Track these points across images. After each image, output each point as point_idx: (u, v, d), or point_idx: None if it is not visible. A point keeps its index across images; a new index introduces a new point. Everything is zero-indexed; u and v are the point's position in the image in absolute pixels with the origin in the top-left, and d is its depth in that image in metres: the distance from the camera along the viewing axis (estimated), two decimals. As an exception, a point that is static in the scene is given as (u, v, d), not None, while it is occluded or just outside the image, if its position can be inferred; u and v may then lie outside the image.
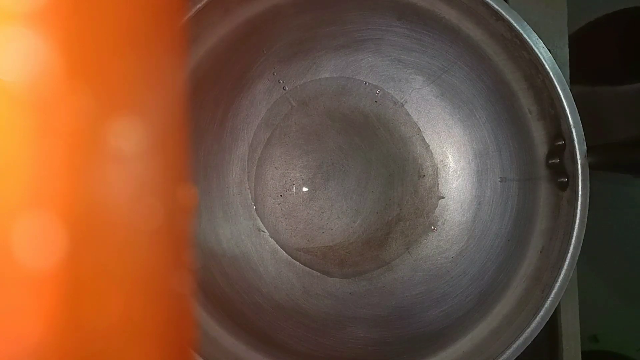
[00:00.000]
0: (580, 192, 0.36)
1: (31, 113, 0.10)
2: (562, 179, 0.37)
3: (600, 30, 0.50)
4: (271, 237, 0.44)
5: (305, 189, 0.45)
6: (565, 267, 0.35)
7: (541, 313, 0.35)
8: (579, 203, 0.36)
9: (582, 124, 0.36)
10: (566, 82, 0.36)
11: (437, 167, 0.44)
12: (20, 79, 0.10)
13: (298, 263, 0.44)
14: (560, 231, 0.37)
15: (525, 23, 0.35)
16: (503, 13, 0.35)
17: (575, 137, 0.36)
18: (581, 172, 0.35)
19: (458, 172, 0.44)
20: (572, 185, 0.36)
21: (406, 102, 0.44)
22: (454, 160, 0.44)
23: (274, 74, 0.44)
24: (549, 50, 0.36)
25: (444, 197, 0.44)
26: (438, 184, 0.44)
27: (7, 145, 0.10)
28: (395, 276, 0.44)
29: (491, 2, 0.35)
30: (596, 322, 0.60)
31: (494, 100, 0.41)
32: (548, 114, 0.38)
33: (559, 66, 0.36)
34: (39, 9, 0.10)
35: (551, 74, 0.35)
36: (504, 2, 0.36)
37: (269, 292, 0.43)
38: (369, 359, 0.41)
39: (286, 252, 0.44)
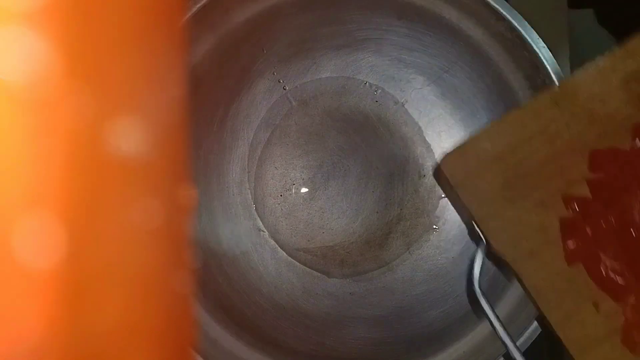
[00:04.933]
0: (580, 192, 0.36)
1: (31, 113, 0.10)
2: (563, 179, 0.37)
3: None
4: (271, 237, 0.44)
5: (305, 189, 0.45)
6: (565, 267, 0.35)
7: (541, 313, 0.35)
8: (580, 203, 0.36)
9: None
10: (566, 82, 0.36)
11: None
12: (20, 79, 0.09)
13: (298, 263, 0.44)
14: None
15: (526, 23, 0.35)
16: (504, 13, 0.35)
17: (575, 137, 0.35)
18: (581, 172, 0.35)
19: (458, 172, 0.44)
20: (572, 185, 0.36)
21: (407, 101, 0.44)
22: (454, 160, 0.44)
23: (274, 74, 0.44)
24: (550, 50, 0.36)
25: (444, 197, 0.44)
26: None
27: (7, 145, 0.10)
28: (395, 276, 0.44)
29: (492, 2, 0.35)
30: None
31: (494, 100, 0.41)
32: (548, 114, 0.38)
33: (559, 66, 0.36)
34: (39, 9, 0.10)
35: (551, 74, 0.35)
36: (505, 1, 0.36)
37: (269, 292, 0.43)
38: (369, 359, 0.41)
39: (286, 252, 0.44)
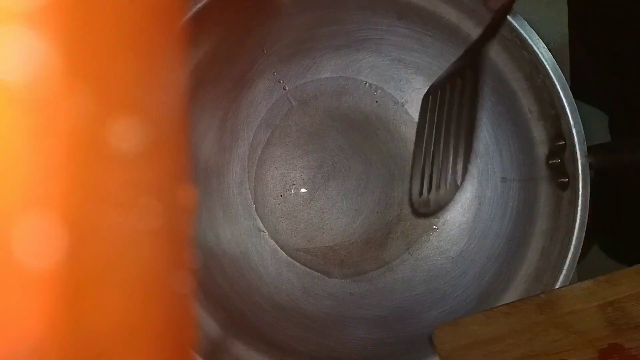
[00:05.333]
0: (580, 193, 0.36)
1: (31, 113, 0.10)
2: (563, 179, 0.37)
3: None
4: (271, 237, 0.44)
5: (305, 189, 0.45)
6: (565, 267, 0.35)
7: (541, 313, 0.35)
8: (580, 203, 0.36)
9: (582, 124, 0.36)
10: (566, 82, 0.36)
11: (438, 167, 0.44)
12: (20, 79, 0.09)
13: (298, 263, 0.44)
14: (560, 231, 0.37)
15: (526, 23, 0.35)
16: (503, 13, 0.35)
17: (575, 137, 0.36)
18: (581, 172, 0.35)
19: (458, 172, 0.44)
20: (572, 185, 0.36)
21: (406, 102, 0.44)
22: (454, 161, 0.44)
23: (274, 74, 0.44)
24: (549, 50, 0.36)
25: (444, 197, 0.44)
26: (438, 184, 0.44)
27: (7, 145, 0.10)
28: (395, 276, 0.44)
29: (491, 2, 0.35)
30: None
31: (494, 101, 0.41)
32: (548, 114, 0.38)
33: (559, 66, 0.36)
34: (39, 9, 0.10)
35: (551, 74, 0.35)
36: (505, 2, 0.36)
37: (269, 292, 0.43)
38: (369, 359, 0.41)
39: (286, 253, 0.44)
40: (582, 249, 0.35)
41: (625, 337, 0.28)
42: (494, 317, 0.31)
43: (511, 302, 0.34)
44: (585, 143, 0.35)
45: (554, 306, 0.30)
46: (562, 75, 0.35)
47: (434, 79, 0.43)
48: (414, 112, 0.45)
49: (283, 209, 0.44)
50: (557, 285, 0.35)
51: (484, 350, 0.30)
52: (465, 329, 0.31)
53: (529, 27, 0.35)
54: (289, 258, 0.44)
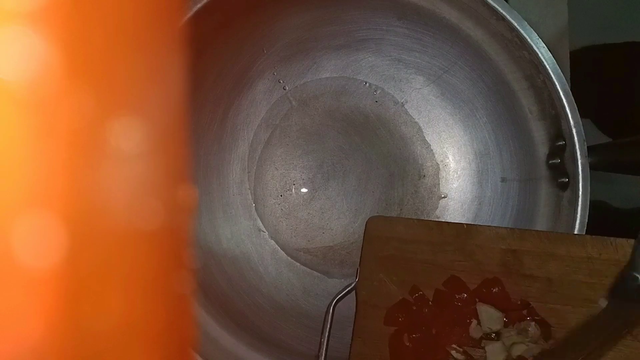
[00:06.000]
0: (580, 193, 0.36)
1: (31, 113, 0.10)
2: (563, 179, 0.37)
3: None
4: (271, 237, 0.44)
5: (305, 189, 0.45)
6: (565, 267, 0.35)
7: (541, 313, 0.35)
8: (580, 203, 0.36)
9: (582, 124, 0.36)
10: (566, 82, 0.36)
11: (438, 167, 0.44)
12: (21, 79, 0.09)
13: (298, 263, 0.44)
14: (560, 231, 0.37)
15: (526, 23, 0.35)
16: (503, 13, 0.35)
17: (575, 137, 0.36)
18: (581, 172, 0.35)
19: (459, 172, 0.44)
20: (572, 185, 0.36)
21: (406, 102, 0.44)
22: (454, 160, 0.44)
23: (274, 74, 0.44)
24: (549, 50, 0.36)
25: (444, 197, 0.44)
26: (439, 184, 0.44)
27: (7, 145, 0.10)
28: (395, 276, 0.44)
29: (491, 2, 0.35)
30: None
31: (494, 101, 0.41)
32: (548, 114, 0.38)
33: (559, 66, 0.36)
34: (39, 9, 0.10)
35: (551, 73, 0.35)
36: (505, 2, 0.36)
37: (269, 292, 0.43)
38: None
39: (286, 253, 0.44)
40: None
41: (511, 280, 0.35)
42: (420, 226, 0.38)
43: (439, 221, 0.42)
44: (585, 143, 0.35)
45: (469, 236, 0.36)
46: (562, 75, 0.35)
47: (434, 79, 0.43)
48: (415, 112, 0.45)
49: (283, 209, 0.44)
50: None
51: (400, 245, 0.37)
52: (394, 226, 0.38)
53: (529, 27, 0.35)
54: (289, 258, 0.44)
